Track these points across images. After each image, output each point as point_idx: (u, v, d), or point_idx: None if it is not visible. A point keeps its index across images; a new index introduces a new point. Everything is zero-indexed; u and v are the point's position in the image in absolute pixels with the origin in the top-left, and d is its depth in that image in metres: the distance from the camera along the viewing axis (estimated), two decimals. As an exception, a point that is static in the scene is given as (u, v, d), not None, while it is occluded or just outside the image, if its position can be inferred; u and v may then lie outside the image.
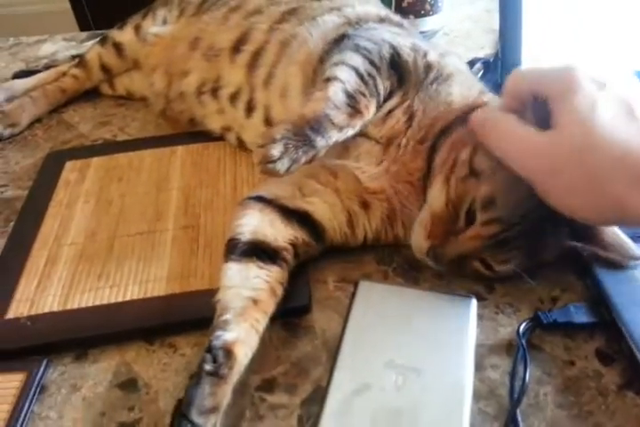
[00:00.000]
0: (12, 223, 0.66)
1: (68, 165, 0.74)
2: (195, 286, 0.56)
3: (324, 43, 0.64)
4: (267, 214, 0.57)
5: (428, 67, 0.59)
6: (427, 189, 0.56)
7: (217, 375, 0.45)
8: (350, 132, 0.54)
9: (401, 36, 0.63)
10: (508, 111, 0.50)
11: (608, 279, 0.53)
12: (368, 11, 0.71)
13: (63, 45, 1.07)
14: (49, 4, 2.34)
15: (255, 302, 0.51)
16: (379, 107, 0.57)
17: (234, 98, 0.72)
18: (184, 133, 0.79)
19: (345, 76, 0.56)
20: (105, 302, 0.55)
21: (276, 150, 0.49)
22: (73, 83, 0.90)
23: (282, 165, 0.49)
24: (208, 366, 0.45)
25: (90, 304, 0.55)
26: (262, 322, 0.51)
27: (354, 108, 0.54)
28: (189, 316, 0.54)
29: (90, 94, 0.91)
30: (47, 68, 0.97)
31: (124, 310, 0.55)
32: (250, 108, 0.70)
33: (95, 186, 0.70)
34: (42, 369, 0.50)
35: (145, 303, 0.55)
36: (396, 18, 0.72)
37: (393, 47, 0.60)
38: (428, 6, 0.96)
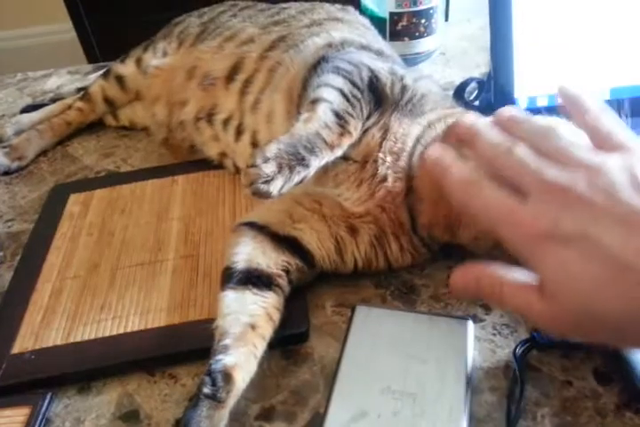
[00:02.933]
0: (18, 257, 0.68)
1: (72, 197, 0.76)
2: (194, 315, 0.57)
3: (305, 69, 0.65)
4: (259, 242, 0.58)
5: (404, 89, 0.61)
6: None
7: (215, 399, 0.46)
8: (339, 152, 0.54)
9: (379, 61, 0.64)
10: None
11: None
12: (353, 38, 0.72)
13: (68, 79, 1.10)
14: (56, 35, 2.39)
15: (253, 327, 0.52)
16: None
17: (226, 123, 0.73)
18: (185, 163, 0.80)
19: (331, 96, 0.56)
20: (107, 333, 0.56)
21: (269, 169, 0.47)
22: (78, 115, 0.92)
23: (274, 187, 0.48)
24: (206, 389, 0.46)
25: (92, 337, 0.56)
26: (260, 348, 0.51)
27: (343, 127, 0.54)
28: (189, 346, 0.54)
29: (93, 127, 0.93)
30: (53, 101, 0.99)
31: (125, 341, 0.55)
32: (239, 132, 0.72)
33: (98, 218, 0.72)
34: (46, 403, 0.51)
35: (145, 334, 0.56)
36: (377, 46, 0.73)
37: (371, 70, 0.61)
38: (422, 28, 0.97)
